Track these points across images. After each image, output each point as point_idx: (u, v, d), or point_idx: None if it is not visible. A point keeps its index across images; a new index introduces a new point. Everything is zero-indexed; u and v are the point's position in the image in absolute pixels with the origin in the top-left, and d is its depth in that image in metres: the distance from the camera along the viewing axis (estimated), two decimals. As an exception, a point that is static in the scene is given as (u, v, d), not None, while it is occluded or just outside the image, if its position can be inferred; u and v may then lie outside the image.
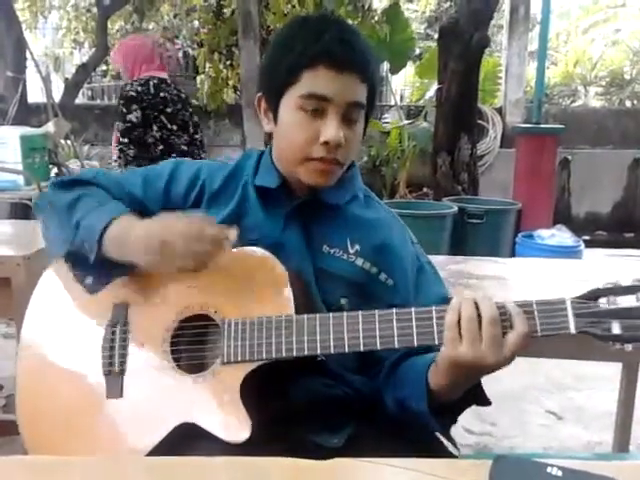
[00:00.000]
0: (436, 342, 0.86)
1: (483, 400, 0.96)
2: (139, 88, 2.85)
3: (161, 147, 2.83)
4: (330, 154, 0.97)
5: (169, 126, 2.87)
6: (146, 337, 0.99)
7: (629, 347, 0.78)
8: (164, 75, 2.98)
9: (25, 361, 1.07)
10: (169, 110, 2.88)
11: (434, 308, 0.86)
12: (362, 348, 0.88)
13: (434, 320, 0.86)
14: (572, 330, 0.80)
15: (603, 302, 0.80)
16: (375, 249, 1.04)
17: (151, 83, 2.87)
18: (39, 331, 1.07)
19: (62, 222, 1.03)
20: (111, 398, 0.98)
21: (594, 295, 0.80)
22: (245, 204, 1.06)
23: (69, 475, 0.74)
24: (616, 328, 0.78)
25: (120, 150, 2.84)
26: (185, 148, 2.92)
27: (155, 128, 2.81)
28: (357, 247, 1.04)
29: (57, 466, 0.77)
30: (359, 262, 1.03)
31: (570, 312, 0.80)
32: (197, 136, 3.05)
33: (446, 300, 1.06)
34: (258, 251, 0.97)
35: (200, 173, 1.09)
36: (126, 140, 2.81)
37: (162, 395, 0.96)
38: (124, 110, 2.81)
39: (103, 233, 0.97)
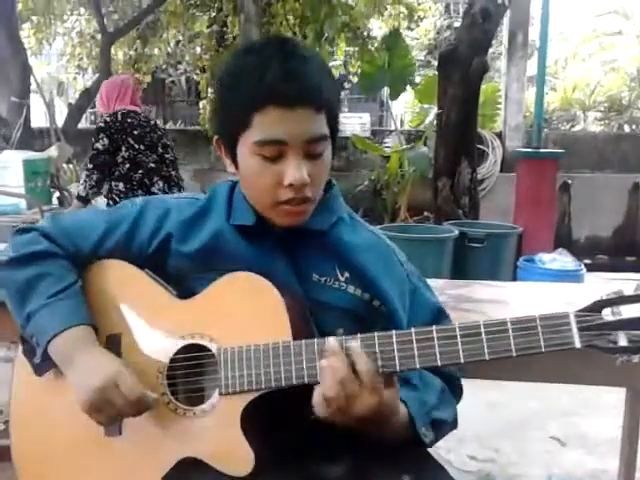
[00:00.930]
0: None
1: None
2: (107, 119, 3.19)
3: (128, 165, 3.16)
4: (298, 194, 0.93)
5: (136, 146, 3.16)
6: (141, 370, 0.96)
7: (635, 358, 0.76)
8: (135, 108, 3.30)
9: (20, 403, 1.06)
10: (136, 133, 3.17)
11: (435, 328, 0.84)
12: None
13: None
14: (577, 345, 0.78)
15: (607, 313, 0.77)
16: (363, 276, 1.01)
17: (119, 113, 3.19)
18: (31, 376, 1.04)
19: (15, 308, 1.01)
20: (110, 436, 0.96)
21: (597, 307, 0.78)
22: (220, 242, 1.02)
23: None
24: (622, 340, 0.76)
25: (86, 175, 3.19)
26: (153, 165, 3.22)
27: (123, 149, 3.15)
28: (347, 274, 1.00)
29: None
30: (351, 289, 1.00)
31: (574, 326, 0.78)
32: (167, 155, 3.32)
33: (439, 309, 1.06)
34: (251, 276, 0.94)
35: (166, 218, 1.05)
36: (91, 166, 3.16)
37: (161, 430, 0.94)
38: (93, 139, 3.17)
39: (50, 341, 0.96)
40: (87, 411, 0.92)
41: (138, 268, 1.04)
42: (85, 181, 3.19)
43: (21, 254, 1.04)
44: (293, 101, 0.89)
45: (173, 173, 3.31)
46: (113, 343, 1.00)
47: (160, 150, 3.27)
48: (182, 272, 1.03)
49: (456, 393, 1.05)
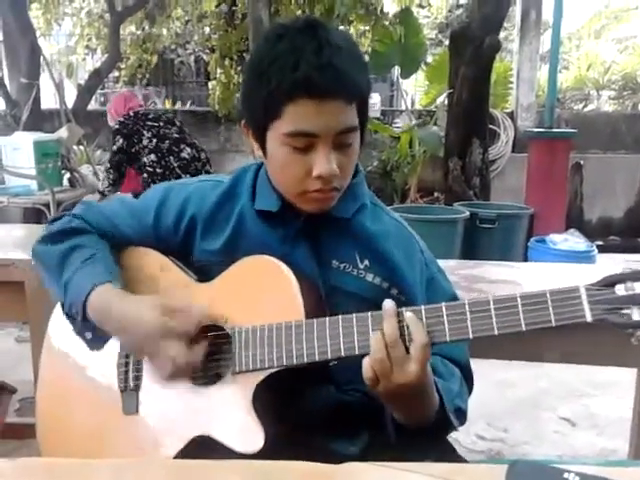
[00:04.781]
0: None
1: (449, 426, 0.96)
2: (121, 119, 3.54)
3: (155, 140, 3.48)
4: (327, 185, 0.93)
5: (156, 124, 3.51)
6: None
7: None
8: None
9: (45, 381, 1.10)
10: (150, 116, 3.55)
11: (443, 304, 0.84)
12: None
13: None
14: (588, 318, 0.76)
15: (620, 289, 0.76)
16: (384, 264, 1.01)
17: (130, 112, 3.56)
18: (57, 352, 1.09)
19: (53, 281, 1.04)
20: (128, 414, 0.98)
21: (610, 282, 0.77)
22: (244, 225, 1.03)
23: (88, 477, 0.74)
24: (636, 314, 0.74)
25: (105, 175, 3.56)
26: (177, 135, 3.55)
27: (145, 131, 3.48)
28: (366, 262, 1.01)
29: (76, 468, 0.77)
30: (369, 277, 1.01)
31: (585, 300, 0.77)
32: (186, 129, 3.66)
33: (453, 297, 1.05)
34: (267, 259, 0.96)
35: (189, 203, 1.05)
36: (109, 166, 3.53)
37: (177, 409, 0.96)
38: (112, 143, 3.52)
39: (86, 301, 0.97)
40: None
41: (162, 254, 1.07)
42: (104, 180, 3.58)
43: (54, 231, 1.08)
44: (326, 93, 0.88)
45: (196, 141, 3.66)
46: None
47: (178, 123, 3.64)
48: (206, 265, 1.04)
49: (469, 384, 1.06)
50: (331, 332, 0.88)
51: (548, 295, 0.79)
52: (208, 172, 3.61)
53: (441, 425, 0.94)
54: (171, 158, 3.44)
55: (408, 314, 0.84)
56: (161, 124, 3.51)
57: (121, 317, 0.95)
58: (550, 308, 0.78)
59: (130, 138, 3.43)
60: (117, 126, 3.48)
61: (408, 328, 0.83)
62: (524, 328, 0.80)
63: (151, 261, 1.08)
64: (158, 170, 3.43)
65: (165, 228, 1.06)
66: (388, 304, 0.85)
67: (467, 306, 0.83)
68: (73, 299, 0.99)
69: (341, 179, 0.95)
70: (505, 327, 0.80)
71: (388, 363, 0.83)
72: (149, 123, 3.47)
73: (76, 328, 1.06)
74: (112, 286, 0.98)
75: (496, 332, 0.81)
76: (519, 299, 0.80)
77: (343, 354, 0.87)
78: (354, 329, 0.87)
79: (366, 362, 0.85)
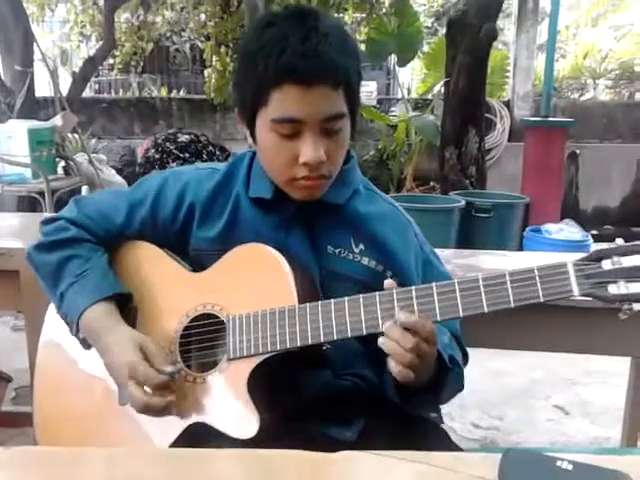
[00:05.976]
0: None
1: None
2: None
3: (154, 141, 3.60)
4: (313, 172, 0.94)
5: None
6: (155, 340, 0.99)
7: (637, 307, 0.75)
8: None
9: (42, 371, 1.11)
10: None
11: (434, 284, 0.85)
12: (365, 332, 0.87)
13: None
14: (575, 293, 0.77)
15: (607, 263, 0.77)
16: (378, 247, 1.02)
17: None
18: (55, 342, 1.10)
19: (48, 290, 1.05)
20: (123, 404, 0.99)
21: (597, 257, 0.77)
22: (240, 213, 1.04)
23: (82, 466, 0.75)
24: (623, 287, 0.75)
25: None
26: (172, 131, 3.72)
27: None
28: (361, 246, 1.02)
29: (71, 457, 0.77)
30: (365, 261, 1.02)
31: (572, 275, 0.78)
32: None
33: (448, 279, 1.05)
34: (260, 247, 0.97)
35: (186, 192, 1.06)
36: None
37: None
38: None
39: (79, 320, 0.99)
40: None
41: (156, 246, 1.08)
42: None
43: (51, 240, 1.07)
44: (310, 79, 0.89)
45: (194, 131, 3.91)
46: (129, 316, 1.03)
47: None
48: (202, 254, 1.05)
49: (464, 356, 1.06)
50: (323, 316, 0.88)
51: (536, 271, 0.80)
52: (211, 152, 3.61)
53: (439, 375, 0.94)
54: (167, 144, 3.52)
55: (410, 319, 0.83)
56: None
57: (105, 346, 0.98)
58: (538, 284, 0.79)
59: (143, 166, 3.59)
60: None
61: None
62: (513, 304, 0.80)
63: (146, 254, 1.08)
64: (156, 156, 3.47)
65: (162, 218, 1.07)
66: (388, 327, 0.84)
67: (457, 284, 0.84)
68: (67, 314, 1.02)
69: (330, 166, 0.96)
70: (494, 304, 0.81)
71: (417, 361, 0.84)
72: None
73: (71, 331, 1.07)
74: (105, 305, 0.99)
75: (486, 309, 0.82)
76: (507, 276, 0.81)
77: (335, 337, 0.88)
78: (346, 312, 0.88)
79: (395, 369, 0.84)
